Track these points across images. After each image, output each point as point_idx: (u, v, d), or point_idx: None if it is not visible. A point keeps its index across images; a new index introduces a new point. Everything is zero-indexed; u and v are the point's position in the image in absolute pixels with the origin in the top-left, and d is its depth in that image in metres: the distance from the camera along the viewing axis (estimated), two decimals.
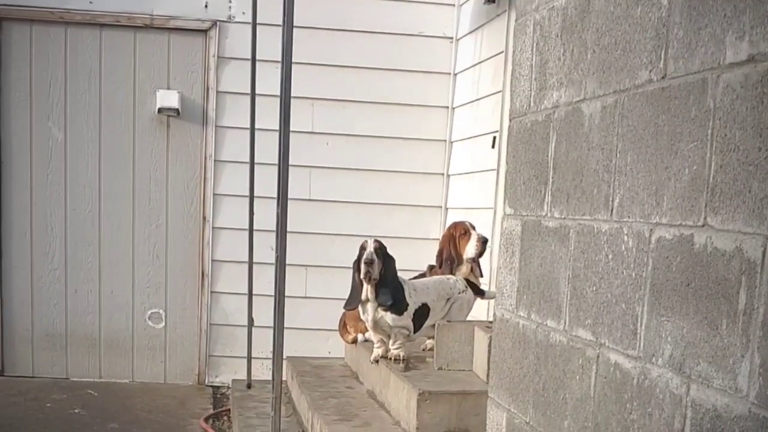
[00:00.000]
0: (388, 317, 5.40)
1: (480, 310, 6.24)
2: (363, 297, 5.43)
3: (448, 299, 5.67)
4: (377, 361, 5.65)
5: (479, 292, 5.90)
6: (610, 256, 2.72)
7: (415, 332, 5.57)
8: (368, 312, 5.45)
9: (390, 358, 5.52)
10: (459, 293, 5.72)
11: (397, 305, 5.38)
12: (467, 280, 5.86)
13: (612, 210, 2.72)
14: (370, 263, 5.30)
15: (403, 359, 5.47)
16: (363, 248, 5.39)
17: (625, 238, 2.63)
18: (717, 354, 2.18)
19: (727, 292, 2.14)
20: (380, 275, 5.35)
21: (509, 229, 3.59)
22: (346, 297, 5.63)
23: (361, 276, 5.36)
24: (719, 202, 2.18)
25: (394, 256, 5.50)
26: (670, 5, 2.44)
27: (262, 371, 7.24)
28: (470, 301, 5.81)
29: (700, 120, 2.28)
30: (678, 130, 2.37)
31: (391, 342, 5.55)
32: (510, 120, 3.63)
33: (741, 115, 2.11)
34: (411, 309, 5.46)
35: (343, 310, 6.16)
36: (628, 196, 2.62)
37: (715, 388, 2.18)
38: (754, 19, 2.08)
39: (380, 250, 5.37)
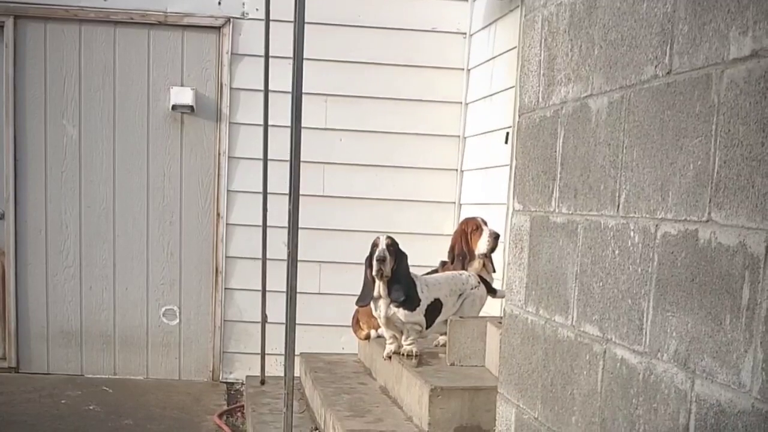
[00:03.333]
0: (401, 313, 5.39)
1: (493, 305, 6.23)
2: (375, 293, 5.43)
3: (461, 295, 5.66)
4: (390, 358, 5.66)
5: (491, 291, 5.90)
6: (617, 252, 2.72)
7: (427, 328, 5.56)
8: (380, 308, 5.45)
9: (402, 354, 5.52)
10: (471, 289, 5.71)
11: (410, 301, 5.37)
12: (480, 277, 5.86)
13: (618, 205, 2.72)
14: (382, 260, 5.29)
15: (416, 355, 5.46)
16: (375, 245, 5.38)
17: (632, 233, 2.63)
18: (721, 349, 2.18)
19: (731, 287, 2.14)
20: (392, 272, 5.35)
21: (518, 225, 3.59)
22: (359, 293, 5.64)
23: (373, 273, 5.35)
24: (723, 198, 2.18)
25: (407, 252, 5.49)
26: (675, 1, 2.44)
27: (276, 367, 7.26)
28: (482, 297, 5.81)
29: (704, 115, 2.28)
30: (683, 125, 2.37)
31: (403, 338, 5.54)
32: (519, 116, 3.64)
33: (744, 111, 2.11)
34: (423, 305, 5.46)
35: (356, 307, 6.16)
36: (634, 192, 2.62)
37: (719, 383, 2.19)
38: (757, 15, 2.08)
39: (392, 246, 5.36)
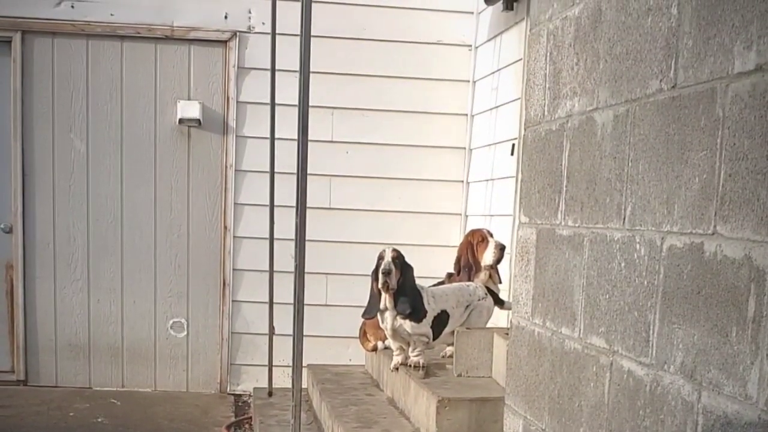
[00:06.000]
0: (407, 325, 5.41)
1: (500, 316, 6.25)
2: (382, 306, 5.45)
3: (468, 306, 5.68)
4: (397, 369, 5.67)
5: (499, 302, 5.90)
6: (623, 265, 2.74)
7: (434, 339, 5.58)
8: (387, 320, 5.47)
9: (409, 366, 5.54)
10: (479, 300, 5.72)
11: (416, 313, 5.39)
12: (487, 288, 5.87)
13: (624, 218, 2.74)
14: (387, 273, 5.31)
15: (423, 366, 5.48)
16: (381, 258, 5.40)
17: (638, 246, 2.65)
18: (727, 361, 2.19)
19: (737, 299, 2.15)
20: (398, 284, 5.37)
21: (524, 238, 3.61)
22: (365, 305, 5.66)
23: (379, 286, 5.38)
24: (728, 211, 2.20)
25: (414, 264, 5.52)
26: (679, 15, 2.46)
27: (284, 379, 7.27)
28: (490, 308, 5.81)
29: (709, 129, 2.30)
30: (688, 139, 2.39)
31: (410, 349, 5.56)
32: (525, 129, 3.66)
33: (749, 124, 2.13)
34: (430, 316, 5.48)
35: (359, 318, 6.17)
36: (640, 205, 2.64)
37: (726, 395, 2.20)
38: (761, 29, 2.10)
39: (398, 259, 5.38)
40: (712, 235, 2.27)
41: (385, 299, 5.42)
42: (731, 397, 2.18)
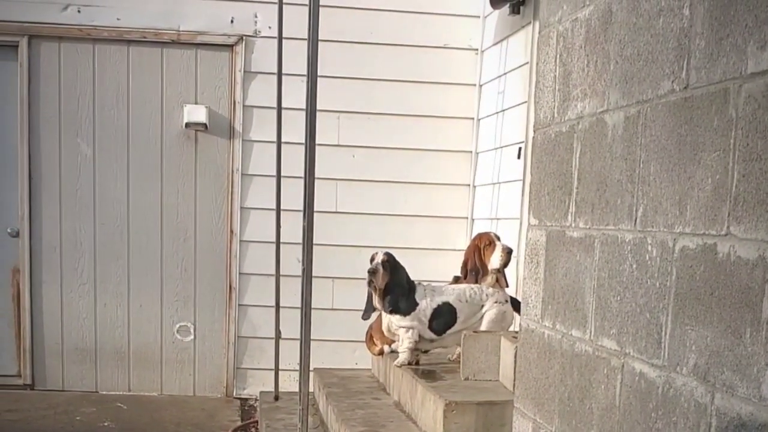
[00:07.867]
0: (395, 319, 5.50)
1: None
2: (374, 305, 5.59)
3: (482, 306, 5.67)
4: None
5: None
6: (635, 266, 2.73)
7: (440, 334, 5.62)
8: (383, 320, 5.59)
9: (396, 365, 5.60)
10: (496, 302, 5.71)
11: (400, 306, 5.48)
12: (512, 298, 5.86)
13: (636, 220, 2.73)
14: (372, 273, 5.48)
15: (410, 364, 5.54)
16: (372, 259, 5.55)
17: (649, 247, 2.64)
18: (741, 363, 2.18)
19: (751, 300, 2.14)
20: (387, 285, 5.47)
21: (534, 240, 3.60)
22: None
23: (366, 282, 5.50)
24: (742, 211, 2.19)
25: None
26: (691, 16, 2.46)
27: (290, 383, 7.25)
28: (509, 312, 5.78)
29: (722, 130, 2.29)
30: (700, 139, 2.38)
31: (399, 345, 5.65)
32: (534, 131, 3.65)
33: (763, 125, 2.12)
34: (426, 309, 5.53)
35: (365, 321, 6.19)
36: (651, 206, 2.63)
37: (740, 396, 2.19)
38: None
39: (388, 262, 5.48)
40: (725, 236, 2.26)
41: (375, 299, 5.53)
42: (745, 399, 2.17)
